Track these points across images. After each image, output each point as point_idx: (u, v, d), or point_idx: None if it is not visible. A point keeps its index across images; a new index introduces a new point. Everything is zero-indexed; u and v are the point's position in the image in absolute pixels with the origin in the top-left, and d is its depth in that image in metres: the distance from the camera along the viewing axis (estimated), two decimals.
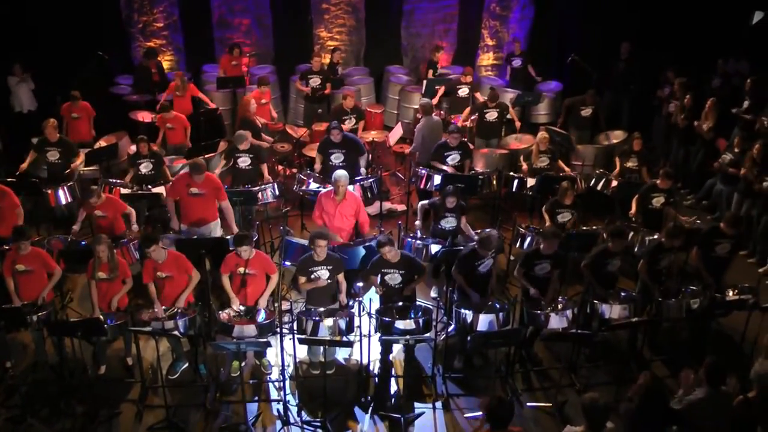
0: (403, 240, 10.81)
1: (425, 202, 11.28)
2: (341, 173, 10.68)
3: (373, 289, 9.76)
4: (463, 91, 15.41)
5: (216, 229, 11.05)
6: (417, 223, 11.38)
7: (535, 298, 9.66)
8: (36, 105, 15.01)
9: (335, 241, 10.23)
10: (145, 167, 12.28)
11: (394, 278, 9.53)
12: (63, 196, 11.89)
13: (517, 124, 14.77)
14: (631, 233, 11.14)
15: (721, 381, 7.37)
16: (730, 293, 9.94)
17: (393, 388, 9.71)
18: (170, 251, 9.48)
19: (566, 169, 12.92)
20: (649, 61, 15.87)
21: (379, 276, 9.54)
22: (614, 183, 12.50)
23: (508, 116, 14.51)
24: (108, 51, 15.56)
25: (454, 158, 12.62)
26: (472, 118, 14.39)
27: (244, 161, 12.15)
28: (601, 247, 9.93)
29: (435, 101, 15.12)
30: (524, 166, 12.97)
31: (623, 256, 9.90)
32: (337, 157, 12.35)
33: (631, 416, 7.24)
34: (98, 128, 14.10)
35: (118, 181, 12.24)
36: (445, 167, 12.54)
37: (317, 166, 12.58)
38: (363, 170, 12.57)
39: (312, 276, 9.35)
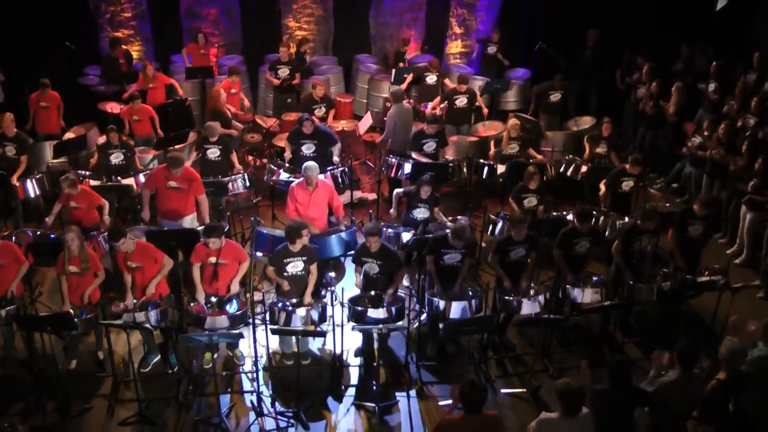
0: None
1: (400, 190, 11.26)
2: (311, 164, 10.64)
3: (345, 278, 9.75)
4: (431, 79, 15.38)
5: (193, 223, 10.97)
6: (392, 211, 11.37)
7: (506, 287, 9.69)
8: (3, 96, 14.82)
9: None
10: (115, 157, 12.20)
11: (373, 268, 9.53)
12: (31, 188, 11.75)
13: (485, 111, 14.82)
14: (602, 217, 11.22)
15: (693, 364, 7.42)
16: (702, 275, 10.04)
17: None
18: (138, 242, 9.41)
19: (538, 156, 12.95)
20: (616, 47, 15.94)
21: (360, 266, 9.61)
22: (584, 168, 12.56)
23: (477, 103, 14.53)
24: (76, 42, 15.38)
25: (430, 146, 12.62)
26: (442, 105, 14.38)
27: (213, 152, 12.11)
28: (568, 228, 10.00)
29: (403, 87, 15.10)
30: (492, 151, 12.99)
31: (592, 239, 9.95)
32: (308, 148, 12.30)
33: (598, 398, 7.26)
34: (66, 119, 13.97)
35: (87, 173, 12.13)
36: (421, 156, 12.53)
37: (287, 154, 12.54)
38: (336, 158, 12.51)
39: (286, 268, 9.36)
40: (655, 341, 9.54)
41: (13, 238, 10.40)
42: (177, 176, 10.67)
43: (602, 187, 11.68)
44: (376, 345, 9.76)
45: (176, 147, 12.82)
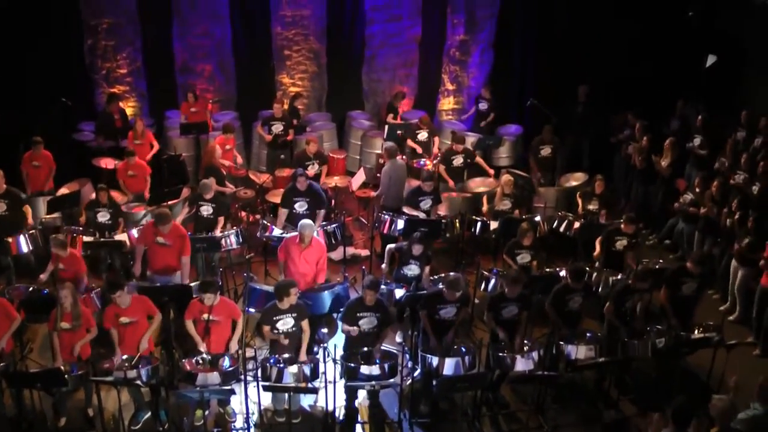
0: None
1: (392, 246, 11.27)
2: (308, 223, 10.67)
3: (337, 334, 9.71)
4: (422, 136, 15.48)
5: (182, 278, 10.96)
6: (384, 267, 11.37)
7: (501, 341, 9.64)
8: None
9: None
10: (102, 216, 12.23)
11: (371, 321, 9.51)
12: (24, 244, 11.71)
13: (491, 171, 14.76)
14: (594, 273, 11.22)
15: (687, 423, 7.37)
16: (696, 332, 10.01)
17: None
18: (134, 296, 9.40)
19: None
20: (607, 103, 16.09)
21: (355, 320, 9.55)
22: (576, 224, 12.60)
23: (475, 160, 14.58)
24: (72, 97, 15.53)
25: (426, 203, 12.64)
26: (435, 162, 14.40)
27: (206, 210, 12.13)
28: (561, 284, 9.99)
29: (416, 147, 15.31)
30: (485, 208, 13.02)
31: (585, 295, 9.94)
32: (301, 206, 12.28)
33: None
34: (61, 175, 13.98)
35: (81, 228, 12.13)
36: (419, 213, 12.54)
37: (280, 223, 12.34)
38: (317, 222, 12.22)
39: (276, 326, 9.34)
40: (651, 398, 9.52)
41: (6, 294, 10.36)
42: (165, 233, 10.68)
43: (597, 246, 11.70)
44: (367, 402, 9.71)
45: (170, 203, 12.83)
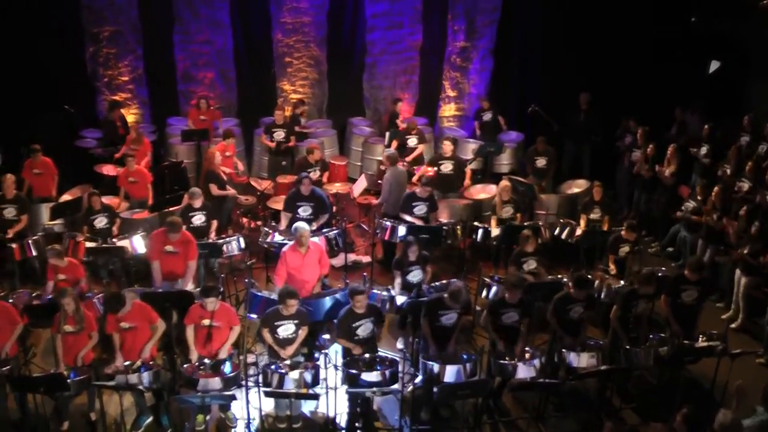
0: (368, 291, 10.75)
1: (396, 270, 11.07)
2: (303, 225, 10.67)
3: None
4: (412, 141, 15.52)
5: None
6: (396, 289, 11.19)
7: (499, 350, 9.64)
8: (1, 159, 14.85)
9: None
10: (99, 222, 12.26)
11: (367, 327, 9.51)
12: (28, 250, 11.75)
13: (466, 183, 14.72)
14: (596, 281, 11.21)
15: (699, 430, 7.34)
16: (699, 340, 9.98)
17: None
18: (135, 302, 9.41)
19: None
20: (608, 110, 16.08)
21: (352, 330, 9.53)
22: (578, 231, 12.58)
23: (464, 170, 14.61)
24: (74, 105, 15.57)
25: (420, 209, 12.60)
26: (432, 170, 14.36)
27: (198, 219, 12.10)
28: (562, 293, 9.96)
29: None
30: (494, 221, 12.93)
31: (587, 304, 9.92)
32: (304, 210, 12.28)
33: None
34: (63, 182, 14.04)
35: (83, 234, 12.14)
36: (411, 218, 12.53)
37: (283, 224, 12.42)
38: (314, 225, 12.20)
39: (277, 331, 9.35)
40: (654, 407, 9.50)
41: (10, 299, 10.38)
42: (173, 240, 10.70)
43: (612, 265, 11.65)
44: (357, 409, 9.72)
45: (171, 209, 12.82)
